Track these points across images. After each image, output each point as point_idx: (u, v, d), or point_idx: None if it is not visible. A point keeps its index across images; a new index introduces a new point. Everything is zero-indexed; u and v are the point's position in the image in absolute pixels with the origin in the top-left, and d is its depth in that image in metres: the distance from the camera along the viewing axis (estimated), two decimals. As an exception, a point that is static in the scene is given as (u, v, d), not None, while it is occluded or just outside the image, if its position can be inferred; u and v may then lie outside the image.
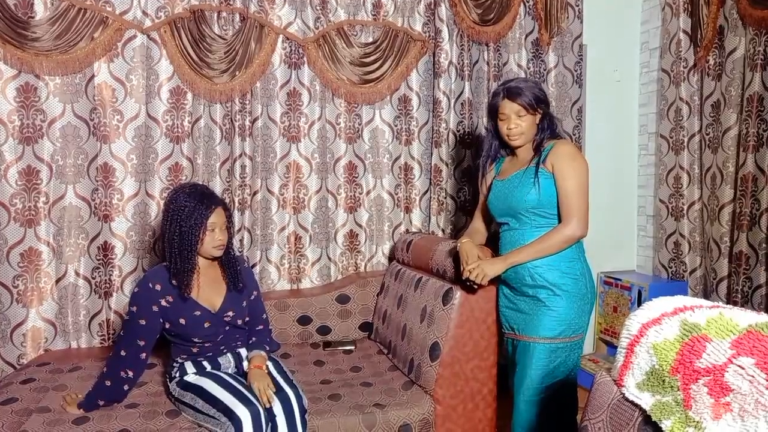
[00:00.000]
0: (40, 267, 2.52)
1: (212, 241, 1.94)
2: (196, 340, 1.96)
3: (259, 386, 1.86)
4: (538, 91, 1.95)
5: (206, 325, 1.95)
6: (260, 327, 2.15)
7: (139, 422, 1.88)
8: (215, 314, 1.97)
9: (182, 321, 1.93)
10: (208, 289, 1.99)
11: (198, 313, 1.95)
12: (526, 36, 3.13)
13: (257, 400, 1.83)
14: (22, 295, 2.50)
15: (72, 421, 1.87)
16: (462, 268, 1.98)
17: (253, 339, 2.11)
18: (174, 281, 1.93)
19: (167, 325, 1.94)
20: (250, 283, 2.12)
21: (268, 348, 2.10)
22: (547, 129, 1.97)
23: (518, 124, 1.94)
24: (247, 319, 2.11)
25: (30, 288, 2.51)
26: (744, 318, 0.83)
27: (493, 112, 2.01)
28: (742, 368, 0.78)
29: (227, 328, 2.01)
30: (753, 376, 0.77)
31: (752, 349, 0.78)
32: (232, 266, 2.05)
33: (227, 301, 2.01)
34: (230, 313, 2.01)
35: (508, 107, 1.94)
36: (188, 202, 1.89)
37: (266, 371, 1.96)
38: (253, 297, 2.13)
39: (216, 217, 1.93)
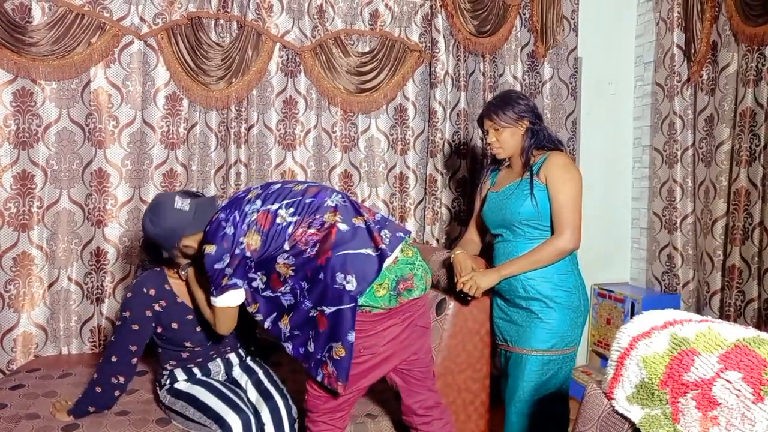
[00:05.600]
0: (32, 272, 2.51)
1: None
2: (187, 344, 1.96)
3: None
4: (517, 105, 1.98)
5: (198, 329, 1.96)
6: None
7: (129, 430, 1.87)
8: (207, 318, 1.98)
9: (174, 325, 1.93)
10: (198, 294, 2.00)
11: (190, 317, 1.95)
12: (522, 48, 3.16)
13: (247, 407, 1.83)
14: (14, 300, 2.49)
15: (61, 428, 1.86)
16: (456, 280, 1.98)
17: None
18: (167, 286, 1.94)
19: (159, 330, 1.94)
20: None
21: None
22: (533, 139, 1.98)
23: (495, 138, 2.01)
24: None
25: (22, 293, 2.50)
26: (732, 332, 0.84)
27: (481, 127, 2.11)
28: (730, 382, 0.79)
29: None
30: (740, 391, 0.77)
31: (739, 363, 0.79)
32: None
33: None
34: None
35: (486, 124, 2.03)
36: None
37: None
38: None
39: None
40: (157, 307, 1.92)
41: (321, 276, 1.60)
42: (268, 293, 1.70)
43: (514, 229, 1.99)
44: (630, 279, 3.59)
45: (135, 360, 1.94)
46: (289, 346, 1.70)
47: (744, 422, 0.75)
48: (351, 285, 1.58)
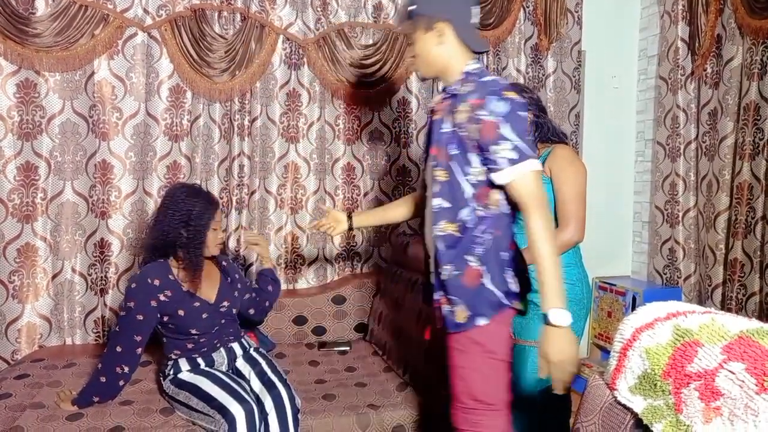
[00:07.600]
0: (36, 263, 2.52)
1: (215, 240, 2.03)
2: (193, 332, 1.98)
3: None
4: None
5: (204, 316, 1.99)
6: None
7: (133, 419, 1.88)
8: (212, 305, 2.02)
9: (181, 313, 1.96)
10: (204, 282, 2.04)
11: (197, 304, 1.98)
12: (526, 41, 3.15)
13: (250, 397, 1.85)
14: (18, 291, 2.50)
15: (66, 417, 1.88)
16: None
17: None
18: (171, 276, 1.98)
19: (165, 318, 1.96)
20: (239, 274, 2.23)
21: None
22: (537, 132, 1.98)
23: None
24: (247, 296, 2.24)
25: (26, 284, 2.51)
26: (735, 324, 0.84)
27: None
28: (733, 373, 0.79)
29: (223, 321, 2.06)
30: (743, 381, 0.78)
31: (743, 354, 0.79)
32: (224, 259, 2.17)
33: (222, 292, 2.07)
34: (226, 304, 2.06)
35: None
36: (197, 203, 1.96)
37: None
38: (243, 285, 2.22)
39: (219, 217, 2.04)
40: (162, 297, 1.94)
41: (503, 255, 1.56)
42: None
43: (518, 222, 1.98)
44: (631, 272, 3.60)
45: (139, 350, 1.96)
46: (437, 245, 1.57)
47: (747, 412, 0.76)
48: (514, 287, 1.57)
